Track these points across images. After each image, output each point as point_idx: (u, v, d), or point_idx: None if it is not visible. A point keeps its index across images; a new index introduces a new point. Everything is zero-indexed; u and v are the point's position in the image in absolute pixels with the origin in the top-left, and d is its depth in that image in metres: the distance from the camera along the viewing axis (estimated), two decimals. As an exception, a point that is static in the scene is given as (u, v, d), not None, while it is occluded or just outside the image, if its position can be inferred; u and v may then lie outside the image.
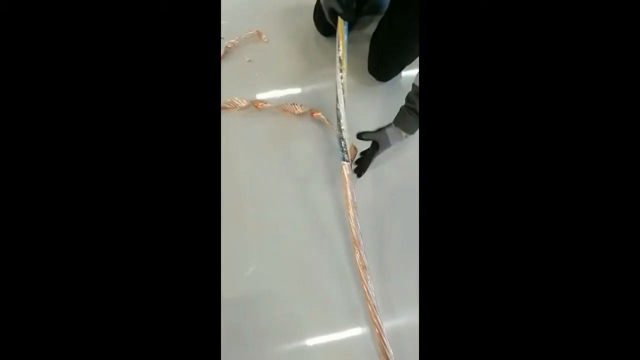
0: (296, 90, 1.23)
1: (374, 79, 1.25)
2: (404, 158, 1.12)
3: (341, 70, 1.04)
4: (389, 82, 1.25)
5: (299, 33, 1.33)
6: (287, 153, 1.11)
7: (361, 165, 1.05)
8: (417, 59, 1.23)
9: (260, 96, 1.22)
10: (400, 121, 0.99)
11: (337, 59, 1.06)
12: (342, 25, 1.08)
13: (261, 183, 1.06)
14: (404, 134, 1.00)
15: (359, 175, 1.06)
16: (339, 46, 1.05)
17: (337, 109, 1.03)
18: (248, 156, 1.10)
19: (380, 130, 1.01)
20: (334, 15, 1.08)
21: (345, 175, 0.98)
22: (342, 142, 1.00)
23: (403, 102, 0.98)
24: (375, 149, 1.03)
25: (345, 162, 0.99)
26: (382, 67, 1.24)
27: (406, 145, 1.13)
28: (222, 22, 1.31)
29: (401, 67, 1.24)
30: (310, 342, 0.86)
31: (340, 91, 1.03)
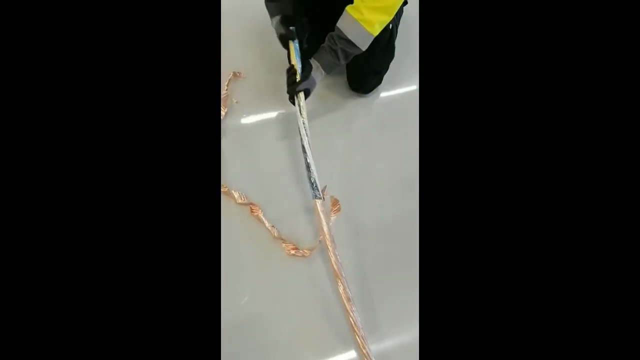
0: (276, 113, 1.28)
1: (351, 101, 1.29)
2: (375, 180, 1.16)
3: (302, 115, 1.09)
4: (368, 104, 1.30)
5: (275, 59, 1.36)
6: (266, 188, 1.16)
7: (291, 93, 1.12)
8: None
9: (245, 120, 1.27)
10: (319, 56, 1.12)
11: (297, 106, 1.11)
12: (296, 66, 1.12)
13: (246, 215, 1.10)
14: (321, 69, 1.12)
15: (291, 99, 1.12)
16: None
17: (304, 152, 1.06)
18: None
19: (304, 71, 1.11)
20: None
21: (319, 212, 1.00)
22: (314, 183, 1.03)
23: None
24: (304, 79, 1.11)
25: (317, 200, 1.02)
26: (361, 78, 1.28)
27: (375, 164, 1.18)
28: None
29: (378, 74, 1.28)
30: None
31: (304, 135, 1.07)
